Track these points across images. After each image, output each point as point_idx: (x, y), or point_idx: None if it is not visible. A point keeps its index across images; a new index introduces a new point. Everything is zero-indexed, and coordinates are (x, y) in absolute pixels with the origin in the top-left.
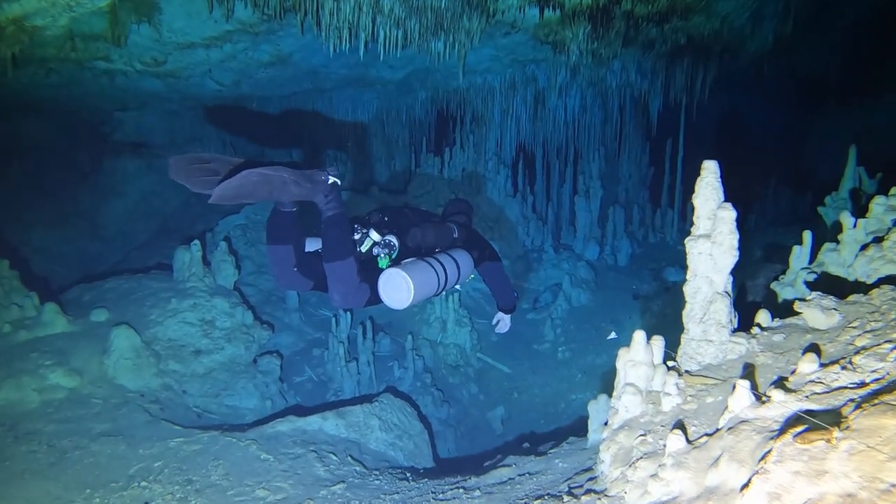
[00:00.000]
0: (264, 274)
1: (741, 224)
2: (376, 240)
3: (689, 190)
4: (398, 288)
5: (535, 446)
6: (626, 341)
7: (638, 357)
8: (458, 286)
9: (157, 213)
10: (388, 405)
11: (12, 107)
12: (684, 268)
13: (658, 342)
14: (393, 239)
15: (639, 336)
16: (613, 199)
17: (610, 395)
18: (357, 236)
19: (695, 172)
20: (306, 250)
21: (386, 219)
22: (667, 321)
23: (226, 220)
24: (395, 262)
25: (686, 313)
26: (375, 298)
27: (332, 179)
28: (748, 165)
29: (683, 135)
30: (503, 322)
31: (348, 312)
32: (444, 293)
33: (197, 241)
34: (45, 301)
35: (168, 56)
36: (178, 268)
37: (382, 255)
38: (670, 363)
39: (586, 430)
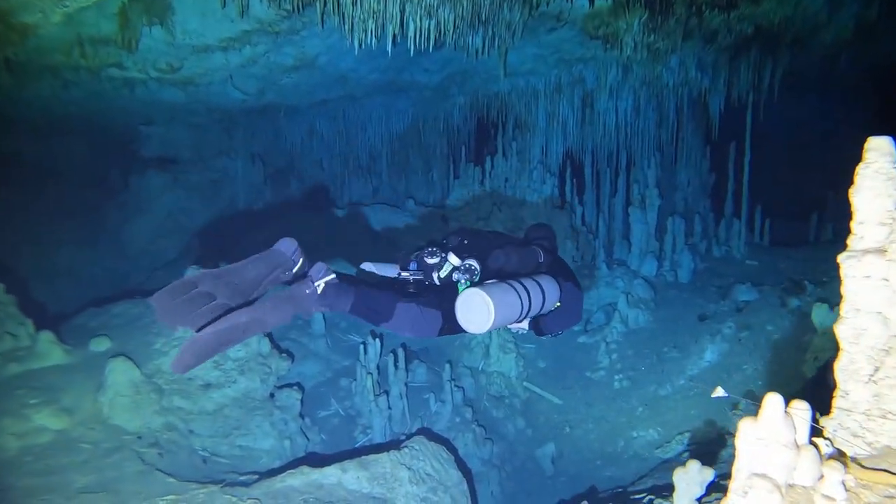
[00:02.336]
0: None
1: (818, 237)
2: (456, 264)
3: (756, 197)
4: (477, 310)
5: None
6: (704, 377)
7: (773, 433)
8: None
9: (184, 229)
10: (421, 451)
11: (45, 127)
12: (757, 285)
13: (801, 412)
14: (474, 263)
15: (774, 401)
16: (671, 209)
17: (704, 463)
18: (435, 260)
19: (762, 178)
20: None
21: (465, 242)
22: (744, 348)
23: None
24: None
25: (841, 367)
26: (452, 326)
27: (320, 286)
28: (820, 170)
29: (750, 136)
30: (521, 328)
31: (377, 339)
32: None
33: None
34: (44, 328)
35: (184, 61)
36: None
37: (463, 281)
38: (823, 442)
39: (651, 479)
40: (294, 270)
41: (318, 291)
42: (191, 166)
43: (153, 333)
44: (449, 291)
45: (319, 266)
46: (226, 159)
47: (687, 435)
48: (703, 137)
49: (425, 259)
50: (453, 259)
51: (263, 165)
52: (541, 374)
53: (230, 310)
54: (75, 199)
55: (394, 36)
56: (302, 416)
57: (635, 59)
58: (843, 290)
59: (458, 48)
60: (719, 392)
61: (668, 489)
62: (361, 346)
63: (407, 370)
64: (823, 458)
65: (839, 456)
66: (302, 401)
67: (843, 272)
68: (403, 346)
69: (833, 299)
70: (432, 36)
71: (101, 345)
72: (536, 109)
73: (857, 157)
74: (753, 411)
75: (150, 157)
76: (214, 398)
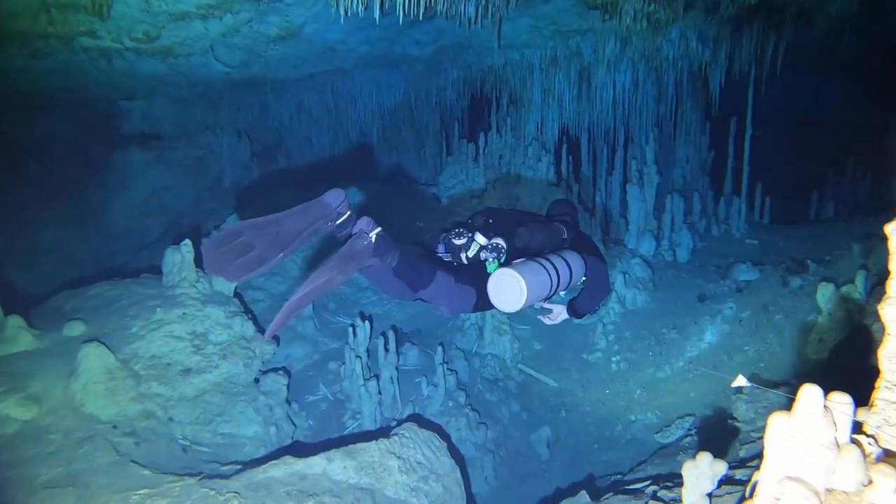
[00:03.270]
0: (276, 276)
1: (818, 215)
2: (483, 243)
3: (755, 175)
4: (509, 289)
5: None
6: (703, 358)
7: (809, 431)
8: (562, 292)
9: (168, 208)
10: (411, 439)
11: (24, 102)
12: (757, 264)
13: (842, 405)
14: (500, 241)
15: (811, 394)
16: (669, 187)
17: (707, 449)
18: (462, 241)
19: (761, 155)
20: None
21: (490, 221)
22: (744, 329)
23: (233, 217)
24: (503, 265)
25: (887, 354)
26: (484, 303)
27: (373, 237)
28: (820, 148)
29: (752, 111)
30: (556, 315)
31: (366, 322)
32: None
33: (188, 241)
34: (15, 312)
35: (161, 30)
36: (167, 272)
37: (490, 259)
38: (865, 440)
39: (651, 465)
40: (338, 222)
41: (372, 242)
42: (174, 142)
43: (130, 316)
44: (478, 270)
45: (367, 219)
46: (210, 135)
47: (688, 419)
48: (702, 113)
49: (452, 240)
50: (480, 238)
51: (250, 142)
52: (536, 356)
53: (265, 261)
54: (58, 176)
55: (382, 3)
56: (288, 401)
57: (634, 31)
58: (892, 265)
59: (451, 17)
60: (741, 381)
61: (669, 477)
62: (350, 329)
63: (398, 353)
64: (868, 460)
65: (887, 457)
66: (288, 385)
67: (891, 244)
68: (394, 328)
69: (838, 278)
70: (422, 3)
71: (74, 329)
72: (532, 84)
73: (857, 137)
74: (758, 396)
75: (132, 132)
76: (195, 384)
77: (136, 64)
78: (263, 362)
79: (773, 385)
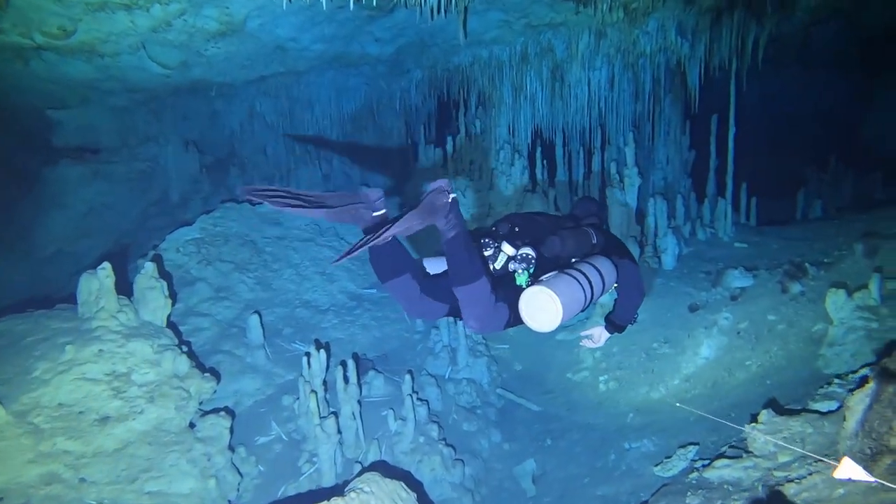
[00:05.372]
0: (224, 299)
1: (806, 214)
2: (511, 254)
3: (741, 173)
4: (544, 308)
5: None
6: (701, 375)
7: None
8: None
9: (109, 227)
10: (373, 494)
11: None
12: (750, 269)
13: None
14: (529, 251)
15: None
16: (650, 190)
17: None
18: (489, 252)
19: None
20: (430, 272)
21: (517, 229)
22: (744, 341)
23: (176, 234)
24: (533, 277)
25: None
26: (515, 319)
27: (451, 198)
28: (800, 146)
29: (735, 107)
30: (598, 337)
31: (321, 350)
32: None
33: (107, 265)
34: None
35: (77, 23)
36: (83, 301)
37: (520, 271)
38: None
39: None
40: (374, 214)
41: (449, 202)
42: (114, 155)
43: (35, 357)
44: (508, 283)
45: (446, 180)
46: (155, 147)
47: (691, 449)
48: (682, 111)
49: (482, 252)
50: (507, 249)
51: (199, 153)
52: (517, 379)
53: (304, 208)
54: None
55: None
56: (232, 447)
57: (610, 23)
58: None
59: (411, 7)
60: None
61: None
62: (305, 359)
63: (360, 384)
64: None
65: None
66: (232, 429)
67: None
68: (355, 355)
69: (842, 282)
70: None
71: None
72: (501, 83)
73: (838, 133)
74: (778, 425)
75: (66, 146)
76: (115, 434)
77: (59, 66)
78: (201, 402)
79: (790, 410)
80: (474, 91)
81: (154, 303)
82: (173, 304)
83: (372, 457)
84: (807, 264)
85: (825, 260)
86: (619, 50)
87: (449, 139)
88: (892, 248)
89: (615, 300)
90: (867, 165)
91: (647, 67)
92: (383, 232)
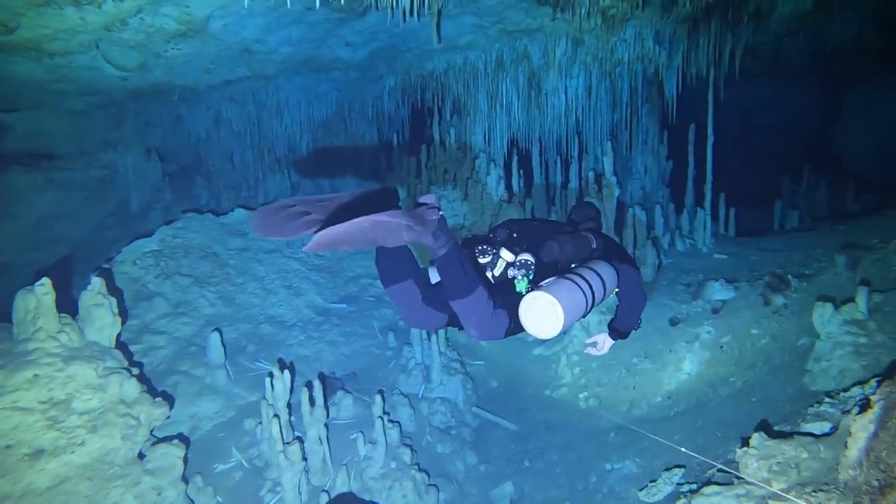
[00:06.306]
0: (182, 315)
1: (783, 225)
2: (510, 260)
3: (721, 183)
4: (545, 314)
5: None
6: (683, 392)
7: None
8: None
9: (64, 238)
10: None
11: None
12: (731, 281)
13: None
14: (528, 257)
15: None
16: (628, 200)
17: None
18: (487, 259)
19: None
20: (434, 281)
21: (515, 235)
22: (727, 356)
23: (133, 246)
24: (533, 283)
25: None
26: (516, 326)
27: (439, 215)
28: (774, 157)
29: (713, 116)
30: (603, 344)
31: (285, 371)
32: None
33: (45, 281)
34: None
35: (20, 18)
36: (18, 321)
37: (519, 277)
38: None
39: None
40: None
41: (437, 219)
42: (70, 162)
43: None
44: (508, 290)
45: (436, 196)
46: (113, 153)
47: (676, 472)
48: (659, 121)
49: (477, 259)
50: (506, 255)
51: (161, 161)
52: (493, 396)
53: (324, 223)
54: None
55: None
56: (186, 479)
57: (587, 30)
58: None
59: (383, 8)
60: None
61: None
62: (269, 378)
63: (328, 405)
64: None
65: None
66: (187, 457)
67: None
68: (322, 375)
69: (825, 294)
70: None
71: None
72: (476, 91)
73: (809, 146)
74: (771, 449)
75: (17, 151)
76: (50, 470)
77: (4, 65)
78: (153, 430)
79: (781, 434)
80: (449, 99)
81: (101, 321)
82: (124, 322)
83: (340, 484)
84: (789, 276)
85: (806, 272)
86: (596, 58)
87: (423, 147)
88: (874, 260)
89: (617, 306)
90: (839, 176)
91: (625, 76)
92: (373, 217)
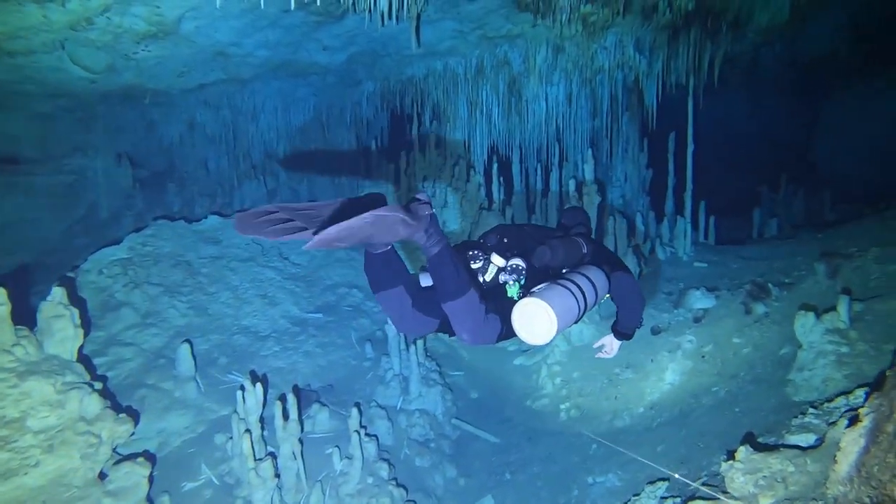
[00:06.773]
0: (151, 326)
1: (762, 233)
2: (501, 265)
3: (701, 191)
4: (538, 320)
5: None
6: (666, 402)
7: None
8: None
9: (28, 245)
10: None
11: None
12: (712, 289)
13: None
14: (519, 262)
15: None
16: (609, 208)
17: None
18: (479, 264)
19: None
20: (424, 286)
21: (505, 240)
22: (710, 366)
23: (100, 254)
24: (524, 288)
25: None
26: (508, 332)
27: (432, 213)
28: (752, 165)
29: (693, 124)
30: (610, 347)
31: (258, 384)
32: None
33: (0, 291)
34: None
35: None
36: None
37: (511, 283)
38: None
39: None
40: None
41: (429, 214)
42: (36, 167)
43: None
44: (500, 295)
45: (426, 194)
46: (82, 158)
47: (660, 486)
48: (639, 129)
49: (469, 263)
50: (497, 260)
51: (132, 166)
52: (473, 408)
53: (305, 230)
54: None
55: None
56: (151, 499)
57: (568, 36)
58: None
59: (360, 11)
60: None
61: None
62: (240, 391)
63: (302, 419)
64: None
65: None
66: (152, 476)
67: None
68: (296, 387)
69: (805, 303)
70: None
71: None
72: (456, 97)
73: (787, 155)
74: (758, 463)
75: None
76: (1, 493)
77: None
78: (116, 447)
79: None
80: (428, 104)
81: (61, 333)
82: (89, 333)
83: (314, 501)
84: (770, 285)
85: (786, 280)
86: (576, 65)
87: (402, 154)
88: (853, 268)
89: (616, 310)
90: (816, 185)
91: (605, 83)
92: (374, 212)
